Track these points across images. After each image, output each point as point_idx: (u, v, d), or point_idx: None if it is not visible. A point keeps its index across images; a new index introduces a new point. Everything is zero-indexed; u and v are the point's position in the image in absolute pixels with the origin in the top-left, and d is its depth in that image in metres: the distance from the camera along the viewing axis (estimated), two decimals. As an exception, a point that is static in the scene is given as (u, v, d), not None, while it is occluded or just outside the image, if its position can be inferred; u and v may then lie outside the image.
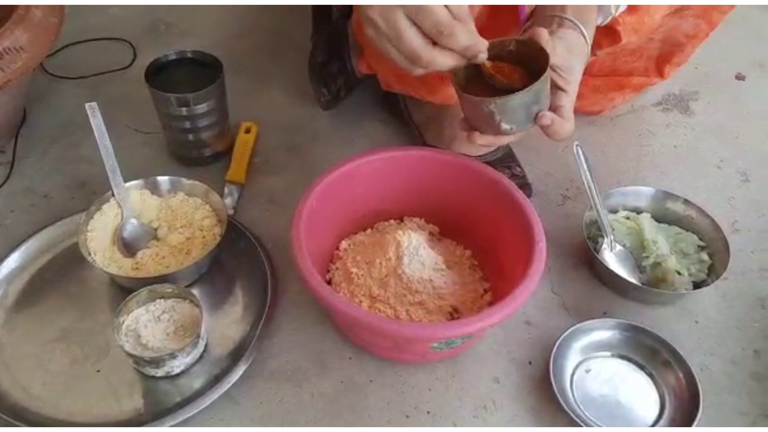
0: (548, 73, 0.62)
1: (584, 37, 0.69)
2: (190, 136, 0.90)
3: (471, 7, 0.65)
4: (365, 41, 0.84)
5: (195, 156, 0.93)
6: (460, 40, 0.59)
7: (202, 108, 0.87)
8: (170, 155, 0.96)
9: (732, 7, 0.91)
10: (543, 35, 0.63)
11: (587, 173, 0.82)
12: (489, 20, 0.72)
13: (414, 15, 0.58)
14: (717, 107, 1.09)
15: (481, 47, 0.60)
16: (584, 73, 0.77)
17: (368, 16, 0.60)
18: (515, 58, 0.65)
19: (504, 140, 0.69)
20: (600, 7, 0.72)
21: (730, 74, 1.16)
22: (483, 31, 0.68)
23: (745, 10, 0.96)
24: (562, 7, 0.68)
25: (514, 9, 0.72)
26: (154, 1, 1.24)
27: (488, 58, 0.62)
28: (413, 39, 0.59)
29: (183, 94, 0.85)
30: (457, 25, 0.58)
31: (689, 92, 1.12)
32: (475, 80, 0.66)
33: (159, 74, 0.89)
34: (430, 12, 0.57)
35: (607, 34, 0.85)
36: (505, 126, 0.64)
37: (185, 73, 0.90)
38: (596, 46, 0.86)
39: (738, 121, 1.07)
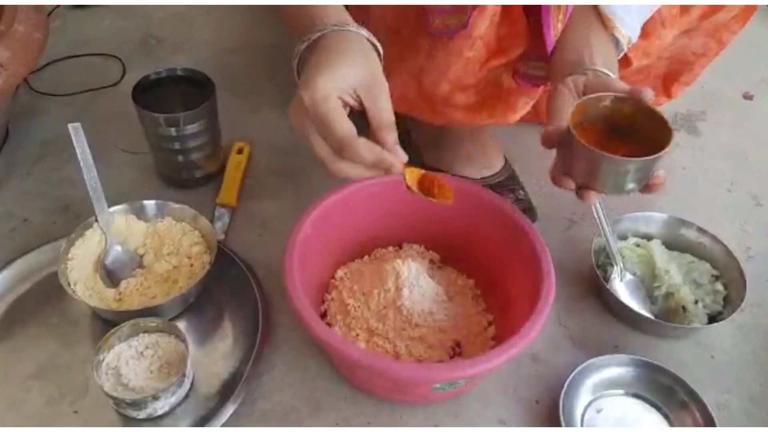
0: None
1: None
2: (180, 158, 0.86)
3: (483, 8, 0.61)
4: None
5: (185, 177, 0.89)
6: (365, 156, 0.55)
7: (192, 128, 0.83)
8: (159, 177, 0.91)
9: (742, 26, 0.88)
10: (647, 95, 0.58)
11: (597, 201, 0.78)
12: (501, 24, 0.69)
13: (318, 129, 0.56)
14: (725, 127, 1.06)
15: (390, 162, 0.55)
16: None
17: (289, 116, 0.59)
18: (611, 115, 0.60)
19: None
20: (615, 44, 0.69)
21: (738, 93, 1.13)
22: (495, 37, 0.66)
23: (751, 28, 0.92)
24: (591, 59, 0.65)
25: (528, 18, 0.69)
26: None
27: (584, 116, 0.58)
28: (320, 150, 0.57)
29: (173, 114, 0.81)
30: (357, 142, 0.54)
31: (696, 112, 1.08)
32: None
33: (147, 92, 0.84)
34: (332, 129, 0.54)
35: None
36: (630, 186, 0.60)
37: (175, 92, 0.86)
38: None
39: (747, 141, 1.04)
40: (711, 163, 1.00)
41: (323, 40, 0.59)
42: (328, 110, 0.54)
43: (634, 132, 0.59)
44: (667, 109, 1.05)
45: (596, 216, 0.77)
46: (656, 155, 0.56)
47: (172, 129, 0.82)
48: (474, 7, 0.62)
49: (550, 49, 0.68)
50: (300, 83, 0.58)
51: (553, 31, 0.68)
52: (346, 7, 0.65)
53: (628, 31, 0.68)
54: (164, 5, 1.25)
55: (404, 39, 0.72)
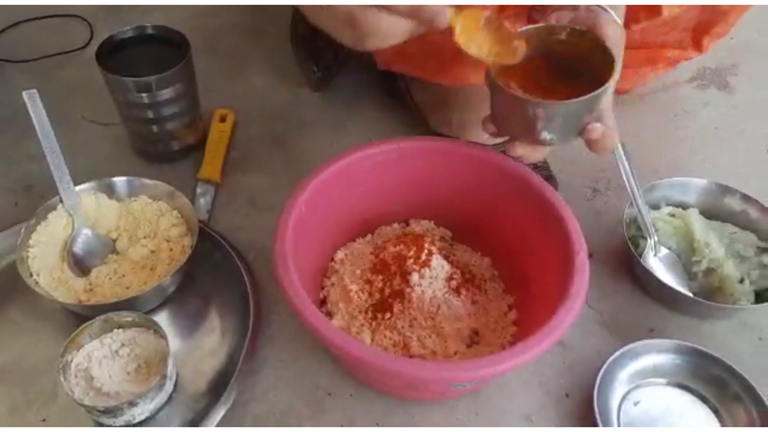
0: (614, 79, 0.49)
1: (618, 24, 0.56)
2: (154, 128, 0.76)
3: None
4: None
5: (161, 150, 0.80)
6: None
7: (166, 93, 0.73)
8: (132, 150, 0.82)
9: None
10: (604, 26, 0.50)
11: (626, 165, 0.69)
12: None
13: None
14: (760, 82, 0.97)
15: (432, 10, 0.46)
16: None
17: None
18: (563, 51, 0.53)
19: (538, 153, 0.57)
20: None
21: (771, 45, 1.03)
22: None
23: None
24: None
25: None
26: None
27: (530, 49, 0.50)
28: None
29: (143, 78, 0.71)
30: None
31: (727, 66, 0.99)
32: (512, 72, 0.53)
33: (115, 55, 0.74)
34: None
35: (646, 8, 0.72)
36: (545, 135, 0.52)
37: (146, 53, 0.76)
38: (632, 19, 0.74)
39: (784, 97, 0.94)
40: (746, 122, 0.90)
41: None
42: None
43: (588, 74, 0.51)
44: (692, 63, 0.96)
45: (626, 182, 0.69)
46: (570, 100, 0.48)
47: (144, 95, 0.72)
48: None
49: None
50: None
51: None
52: None
53: None
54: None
55: None
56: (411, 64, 0.72)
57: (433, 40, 0.63)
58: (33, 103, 0.66)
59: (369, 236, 0.72)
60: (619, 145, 0.70)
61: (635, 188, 0.69)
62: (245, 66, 0.95)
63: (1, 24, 0.99)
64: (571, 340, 0.66)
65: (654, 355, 0.62)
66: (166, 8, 1.05)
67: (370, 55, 0.80)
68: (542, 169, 0.78)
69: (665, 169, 0.82)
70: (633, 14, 0.74)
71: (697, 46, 0.88)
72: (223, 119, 0.84)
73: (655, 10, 0.73)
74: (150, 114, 0.74)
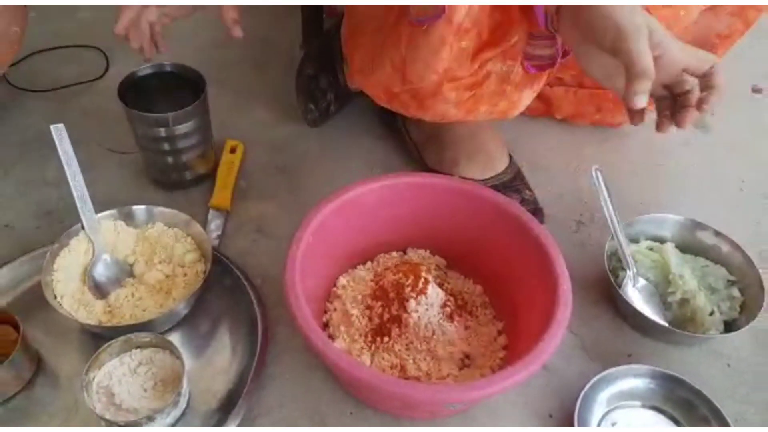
0: None
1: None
2: (170, 159, 0.81)
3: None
4: (352, 54, 0.77)
5: (175, 179, 0.85)
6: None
7: (183, 128, 0.78)
8: (147, 178, 0.87)
9: None
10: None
11: (607, 201, 0.75)
12: (493, 13, 0.65)
13: None
14: (735, 123, 1.03)
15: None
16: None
17: None
18: None
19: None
20: None
21: (746, 87, 1.10)
22: (486, 27, 0.64)
23: (761, 18, 0.89)
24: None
25: (517, 21, 0.65)
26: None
27: None
28: None
29: (162, 114, 0.76)
30: None
31: (705, 107, 1.05)
32: None
33: (134, 90, 0.80)
34: None
35: None
36: None
37: (164, 89, 0.81)
38: None
39: (757, 137, 1.01)
40: (721, 161, 0.97)
41: None
42: None
43: None
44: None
45: (608, 218, 0.74)
46: None
47: (162, 129, 0.77)
48: None
49: (541, 19, 0.63)
50: None
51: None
52: None
53: None
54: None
55: (388, 28, 0.69)
56: (397, 101, 0.76)
57: (410, 80, 0.69)
58: (60, 136, 0.70)
59: (369, 263, 0.77)
60: (603, 186, 0.75)
61: (616, 223, 0.75)
62: (252, 99, 1.01)
63: (20, 54, 1.04)
64: (555, 363, 0.71)
65: (630, 380, 0.67)
66: (179, 40, 1.10)
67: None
68: (530, 202, 0.84)
69: (644, 204, 0.88)
70: None
71: None
72: (233, 150, 0.89)
73: None
74: (166, 146, 0.79)
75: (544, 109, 0.96)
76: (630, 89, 0.56)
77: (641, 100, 0.56)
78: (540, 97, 0.88)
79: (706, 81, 0.59)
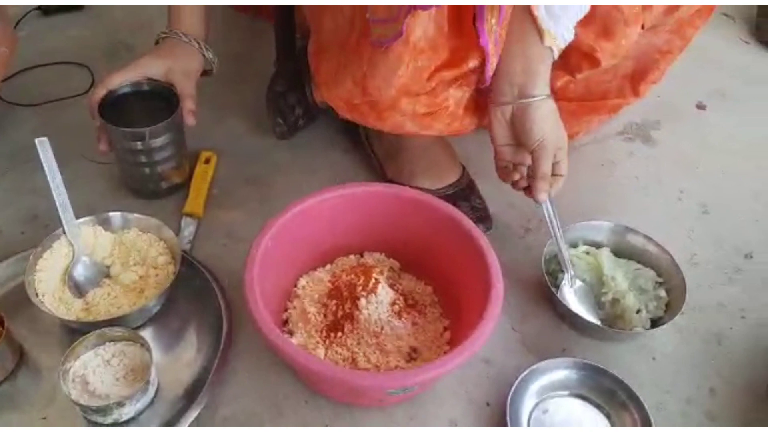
0: None
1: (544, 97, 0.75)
2: (146, 170, 0.88)
3: (415, 13, 0.66)
4: (317, 69, 0.84)
5: (151, 189, 0.91)
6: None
7: (158, 142, 0.85)
8: (125, 188, 0.93)
9: (704, 21, 0.92)
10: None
11: (549, 207, 0.81)
12: (453, 36, 0.73)
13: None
14: (678, 137, 1.10)
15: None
16: (559, 98, 0.82)
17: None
18: None
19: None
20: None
21: (692, 104, 1.17)
22: (446, 48, 0.73)
23: (704, 39, 0.97)
24: (524, 89, 0.75)
25: (475, 47, 0.73)
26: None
27: None
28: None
29: (138, 129, 0.83)
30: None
31: (651, 122, 1.13)
32: None
33: (114, 106, 0.86)
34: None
35: (587, 58, 0.86)
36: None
37: (141, 105, 0.88)
38: (576, 69, 0.88)
39: (698, 151, 1.08)
40: (664, 172, 1.04)
41: (163, 41, 0.89)
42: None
43: None
44: (622, 118, 1.10)
45: (548, 222, 0.81)
46: None
47: (138, 143, 0.84)
48: (406, 14, 0.65)
49: (482, 40, 0.71)
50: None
51: (486, 24, 0.71)
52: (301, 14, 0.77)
53: (561, 41, 0.73)
54: (131, 14, 1.26)
55: (350, 47, 0.76)
56: (357, 112, 0.83)
57: (370, 93, 0.76)
58: (44, 149, 0.77)
59: (329, 266, 0.84)
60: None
61: (556, 229, 0.81)
62: (227, 112, 1.07)
63: (10, 70, 1.11)
64: (495, 357, 0.78)
65: (560, 371, 0.74)
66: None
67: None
68: (479, 209, 0.91)
69: (589, 212, 0.94)
70: (576, 65, 0.88)
71: (636, 92, 1.02)
72: (207, 161, 0.96)
73: (594, 60, 0.86)
74: (143, 159, 0.86)
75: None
76: (536, 188, 0.79)
77: (544, 196, 0.79)
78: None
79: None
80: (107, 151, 0.87)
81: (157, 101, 0.87)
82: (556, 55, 0.74)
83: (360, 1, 0.70)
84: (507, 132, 0.79)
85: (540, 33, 0.71)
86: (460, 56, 0.74)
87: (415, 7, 0.63)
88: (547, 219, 0.81)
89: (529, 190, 0.80)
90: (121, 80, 0.85)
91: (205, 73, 0.92)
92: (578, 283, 0.82)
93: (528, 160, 0.79)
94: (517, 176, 0.81)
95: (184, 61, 0.87)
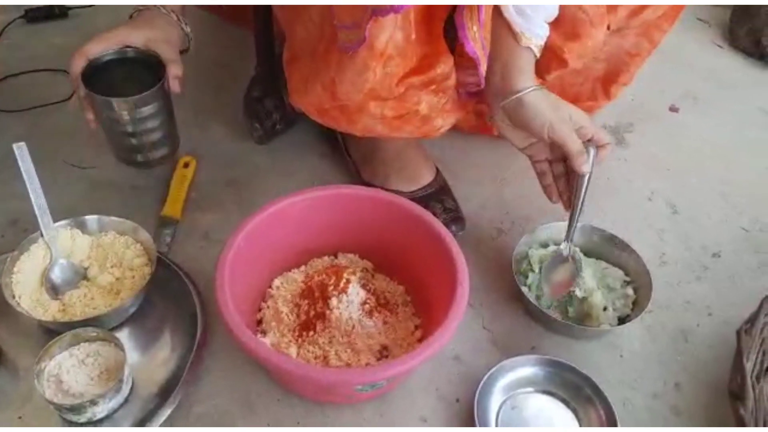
0: None
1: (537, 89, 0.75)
2: (134, 140, 0.86)
3: (377, 20, 0.67)
4: (290, 76, 0.85)
5: (140, 160, 0.90)
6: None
7: (146, 111, 0.83)
8: (116, 160, 0.92)
9: (671, 24, 0.95)
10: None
11: (586, 182, 0.78)
12: (421, 43, 0.74)
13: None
14: (650, 139, 1.12)
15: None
16: None
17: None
18: None
19: None
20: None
21: (665, 106, 1.19)
22: (414, 54, 0.75)
23: (678, 42, 0.99)
24: (513, 85, 0.75)
25: (445, 52, 0.75)
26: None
27: None
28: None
29: (126, 98, 0.81)
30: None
31: (624, 124, 1.15)
32: None
33: (96, 75, 0.83)
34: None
35: (554, 58, 0.88)
36: None
37: (124, 73, 0.85)
38: (545, 70, 0.90)
39: (670, 153, 1.10)
40: (635, 174, 1.06)
41: (140, 13, 0.87)
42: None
43: None
44: (597, 120, 1.12)
45: (581, 194, 0.78)
46: None
47: (125, 112, 0.82)
48: (368, 20, 0.66)
49: (468, 48, 0.74)
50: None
51: (469, 32, 0.73)
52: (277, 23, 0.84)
53: (538, 39, 0.74)
54: (114, 22, 1.27)
55: (319, 55, 0.77)
56: (328, 116, 0.85)
57: (339, 97, 0.78)
58: (21, 154, 0.78)
59: (303, 267, 0.86)
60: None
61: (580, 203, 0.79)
62: (208, 118, 1.09)
63: (-5, 77, 1.13)
64: (466, 355, 0.80)
65: (527, 368, 0.76)
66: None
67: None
68: (452, 211, 0.93)
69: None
70: (544, 66, 0.90)
71: (607, 94, 1.05)
72: (186, 165, 0.98)
73: (562, 60, 0.89)
74: (130, 128, 0.84)
75: (475, 126, 1.04)
76: (576, 164, 0.75)
77: (587, 168, 0.76)
78: (476, 113, 0.98)
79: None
80: (95, 123, 0.85)
81: (141, 69, 0.85)
82: (537, 53, 0.74)
83: (327, 2, 0.71)
84: (518, 133, 0.78)
85: (514, 36, 0.72)
86: (429, 62, 0.76)
87: (374, 13, 0.64)
88: (582, 191, 0.78)
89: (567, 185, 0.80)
90: (101, 49, 0.82)
91: (181, 52, 0.89)
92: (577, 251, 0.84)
93: (557, 150, 0.78)
94: (549, 179, 0.81)
95: (165, 31, 0.85)
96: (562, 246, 0.83)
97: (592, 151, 0.77)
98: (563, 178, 0.81)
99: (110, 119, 0.85)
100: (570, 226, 0.81)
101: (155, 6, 0.84)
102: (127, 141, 0.87)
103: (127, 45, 0.83)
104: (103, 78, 0.83)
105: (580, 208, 0.79)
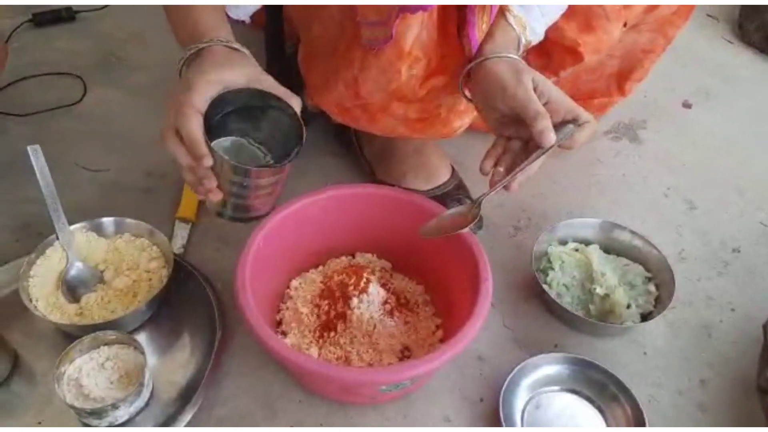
0: None
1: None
2: (239, 201, 0.67)
3: (405, 18, 0.65)
4: (308, 75, 0.85)
5: (230, 215, 0.69)
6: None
7: (263, 182, 0.66)
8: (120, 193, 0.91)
9: (685, 21, 0.94)
10: None
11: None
12: (441, 43, 0.73)
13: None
14: (664, 135, 1.12)
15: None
16: None
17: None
18: None
19: None
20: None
21: (678, 102, 1.19)
22: (435, 55, 0.72)
23: (689, 38, 0.99)
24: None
25: (462, 52, 0.74)
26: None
27: None
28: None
29: (271, 166, 0.67)
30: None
31: (638, 121, 1.14)
32: None
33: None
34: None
35: (570, 53, 0.87)
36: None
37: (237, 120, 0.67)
38: (560, 66, 0.89)
39: (685, 148, 1.10)
40: (650, 170, 1.05)
41: (204, 52, 0.65)
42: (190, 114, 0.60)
43: None
44: (610, 117, 1.12)
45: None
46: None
47: (265, 180, 0.65)
48: (396, 16, 0.65)
49: (475, 48, 0.71)
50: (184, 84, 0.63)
51: (478, 32, 0.71)
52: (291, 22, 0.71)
53: (531, 33, 0.73)
54: (121, 25, 1.28)
55: (340, 53, 0.76)
56: (349, 115, 0.83)
57: (362, 96, 0.77)
58: (36, 156, 0.77)
59: (321, 267, 0.85)
60: None
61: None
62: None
63: (3, 81, 1.12)
64: (488, 354, 0.79)
65: (551, 366, 0.75)
66: (153, 65, 1.18)
67: (327, 114, 0.94)
68: (470, 209, 0.92)
69: (578, 210, 0.96)
70: (559, 61, 0.89)
71: (621, 90, 1.04)
72: (198, 167, 0.97)
73: (577, 55, 0.88)
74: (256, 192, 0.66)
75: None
76: (535, 131, 0.64)
77: (549, 137, 0.64)
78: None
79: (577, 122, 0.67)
80: (218, 193, 0.65)
81: (246, 111, 0.67)
82: (522, 46, 0.72)
83: (349, 2, 0.71)
84: (487, 107, 0.71)
85: (502, 10, 0.70)
86: (447, 63, 0.75)
87: (402, 10, 0.63)
88: (531, 162, 0.67)
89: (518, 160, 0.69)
90: (207, 98, 0.61)
91: None
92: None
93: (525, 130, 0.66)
94: (497, 150, 0.70)
95: (251, 68, 0.66)
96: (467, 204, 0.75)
97: (569, 127, 0.66)
98: (511, 154, 0.70)
99: (236, 184, 0.64)
100: (491, 190, 0.70)
101: (220, 41, 0.65)
102: (241, 202, 0.67)
103: (227, 88, 0.63)
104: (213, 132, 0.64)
105: (516, 179, 0.68)
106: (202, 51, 0.65)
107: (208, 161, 0.60)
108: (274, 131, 0.68)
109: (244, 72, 0.63)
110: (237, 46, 0.67)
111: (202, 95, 0.60)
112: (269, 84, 0.65)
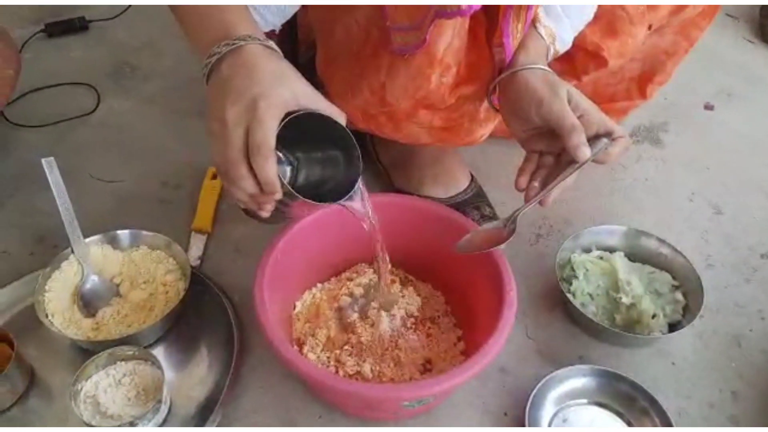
0: None
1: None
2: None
3: (440, 24, 0.63)
4: (329, 82, 0.83)
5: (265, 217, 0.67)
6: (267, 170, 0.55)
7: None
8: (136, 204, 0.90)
9: (709, 23, 0.92)
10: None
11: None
12: (470, 51, 0.72)
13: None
14: (687, 138, 1.09)
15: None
16: None
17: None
18: None
19: None
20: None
21: (699, 104, 1.16)
22: (465, 63, 0.70)
23: (709, 39, 0.96)
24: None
25: (491, 60, 0.72)
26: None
27: None
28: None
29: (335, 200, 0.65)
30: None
31: (659, 123, 1.12)
32: None
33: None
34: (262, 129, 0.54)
35: (593, 58, 0.85)
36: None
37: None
38: (582, 71, 0.87)
39: (708, 151, 1.07)
40: (673, 174, 1.03)
41: (244, 52, 0.58)
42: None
43: None
44: (630, 121, 1.09)
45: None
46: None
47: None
48: (430, 23, 0.64)
49: (509, 58, 0.70)
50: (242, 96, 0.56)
51: (513, 41, 0.70)
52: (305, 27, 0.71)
53: (560, 43, 0.72)
54: (134, 34, 1.27)
55: (366, 57, 0.74)
56: (373, 122, 0.81)
57: (388, 103, 0.75)
58: (51, 169, 0.77)
59: (339, 277, 0.83)
60: None
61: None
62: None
63: (17, 92, 1.11)
64: (511, 366, 0.77)
65: (577, 379, 0.73)
66: (166, 74, 1.18)
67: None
68: (489, 217, 0.90)
69: (601, 217, 0.94)
70: (582, 66, 0.88)
71: (643, 94, 1.02)
72: (215, 176, 0.95)
73: (601, 60, 0.86)
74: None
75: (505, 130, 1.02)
76: (570, 145, 0.64)
77: (584, 151, 0.64)
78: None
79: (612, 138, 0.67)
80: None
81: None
82: (551, 56, 0.72)
83: (379, 2, 0.67)
84: (516, 118, 0.70)
85: (534, 20, 0.70)
86: (476, 71, 0.74)
87: (437, 15, 0.61)
88: (566, 177, 0.68)
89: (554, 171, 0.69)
90: (275, 132, 0.55)
91: None
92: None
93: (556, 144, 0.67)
94: (530, 165, 0.70)
95: (300, 83, 0.60)
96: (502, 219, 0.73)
97: (602, 141, 0.66)
98: (546, 169, 0.70)
99: (283, 202, 0.62)
100: (526, 205, 0.70)
101: (267, 41, 0.60)
102: (282, 212, 0.66)
103: (287, 108, 0.57)
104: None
105: (551, 194, 0.68)
106: (241, 50, 0.57)
107: (279, 196, 0.57)
108: (322, 157, 0.66)
109: (296, 91, 0.57)
110: (274, 46, 0.61)
111: (274, 129, 0.55)
112: (323, 105, 0.60)
